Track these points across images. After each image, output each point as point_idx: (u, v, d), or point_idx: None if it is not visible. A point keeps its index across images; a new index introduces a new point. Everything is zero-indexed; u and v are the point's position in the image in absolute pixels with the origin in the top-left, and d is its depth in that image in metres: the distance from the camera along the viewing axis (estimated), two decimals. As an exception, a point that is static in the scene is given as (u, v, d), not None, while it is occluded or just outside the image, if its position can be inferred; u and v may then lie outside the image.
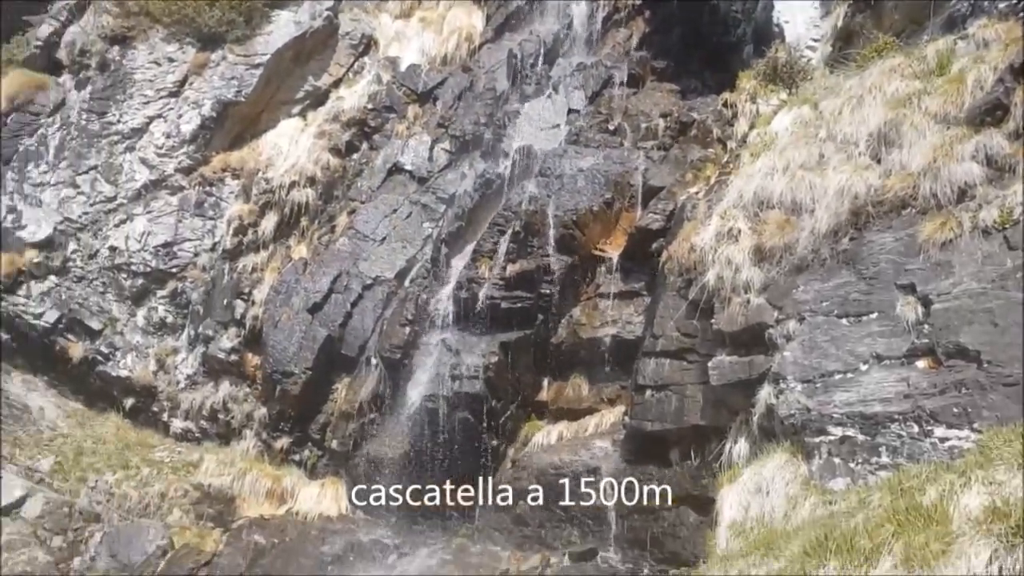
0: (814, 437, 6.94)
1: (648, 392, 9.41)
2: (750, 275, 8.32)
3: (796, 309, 7.68)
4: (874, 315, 7.18)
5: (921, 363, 6.70)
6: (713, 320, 8.60)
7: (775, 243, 8.24)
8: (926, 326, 6.79)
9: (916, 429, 6.42)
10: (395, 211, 13.37)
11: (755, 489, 7.24)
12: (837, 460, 6.76)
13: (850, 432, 6.75)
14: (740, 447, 8.17)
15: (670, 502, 9.23)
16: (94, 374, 14.02)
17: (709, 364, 8.53)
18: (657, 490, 9.34)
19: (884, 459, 6.50)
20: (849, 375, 7.00)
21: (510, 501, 10.80)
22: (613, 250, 11.52)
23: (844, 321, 7.33)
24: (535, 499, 10.52)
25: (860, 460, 6.63)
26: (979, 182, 7.20)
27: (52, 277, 14.13)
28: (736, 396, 8.26)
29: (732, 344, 8.39)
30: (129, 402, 13.89)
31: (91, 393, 14.10)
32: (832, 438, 6.83)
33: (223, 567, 10.83)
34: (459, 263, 12.46)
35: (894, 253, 7.38)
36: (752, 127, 10.63)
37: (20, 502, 11.07)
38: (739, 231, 8.59)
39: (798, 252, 8.05)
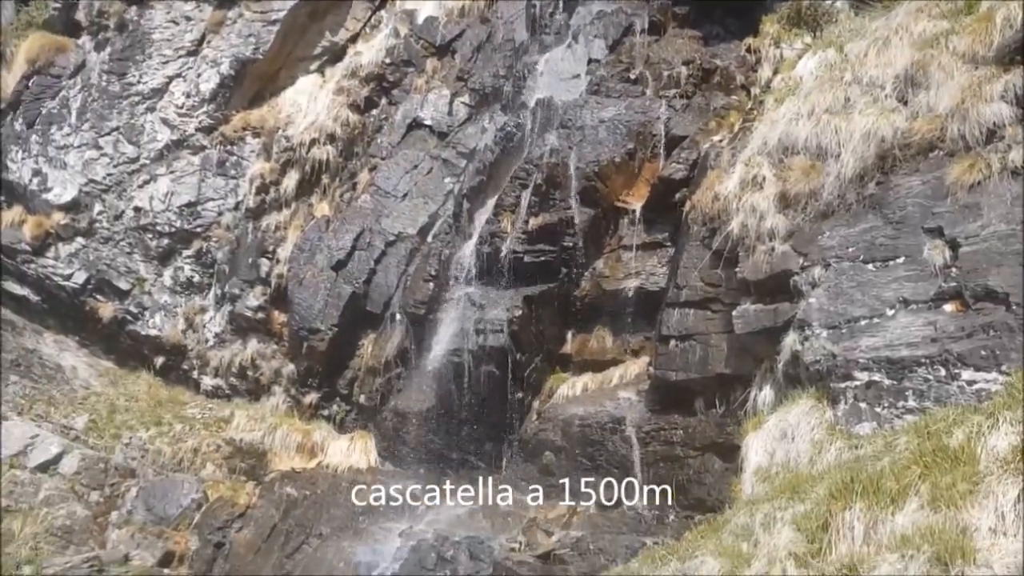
0: (840, 383, 6.95)
1: (672, 342, 9.43)
2: (775, 222, 8.26)
3: (821, 255, 7.64)
4: (901, 260, 7.13)
5: (948, 307, 6.66)
6: (737, 269, 8.57)
7: (800, 189, 8.17)
8: (953, 269, 6.74)
9: (943, 372, 6.41)
10: (416, 167, 13.33)
11: (780, 435, 7.28)
12: (863, 405, 6.77)
13: (876, 377, 6.75)
14: (765, 395, 8.20)
15: (695, 450, 9.31)
16: (124, 333, 14.22)
17: (733, 313, 8.53)
18: (682, 438, 9.43)
19: (911, 403, 6.50)
20: (875, 320, 6.98)
21: (537, 452, 10.95)
22: (636, 201, 11.46)
23: (870, 266, 7.29)
24: (561, 450, 10.64)
25: (886, 404, 6.64)
26: (1008, 122, 7.08)
27: (79, 239, 14.28)
28: (761, 344, 8.26)
29: (757, 292, 8.37)
30: (159, 360, 14.09)
31: (122, 352, 14.33)
32: (858, 383, 6.84)
33: (257, 519, 11.04)
34: (481, 218, 12.44)
35: (921, 196, 7.30)
36: (776, 72, 10.47)
37: (57, 459, 11.33)
38: (763, 178, 8.52)
39: (823, 198, 7.98)
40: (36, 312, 14.29)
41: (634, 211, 11.37)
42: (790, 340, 7.58)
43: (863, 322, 7.04)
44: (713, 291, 9.10)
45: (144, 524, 11.06)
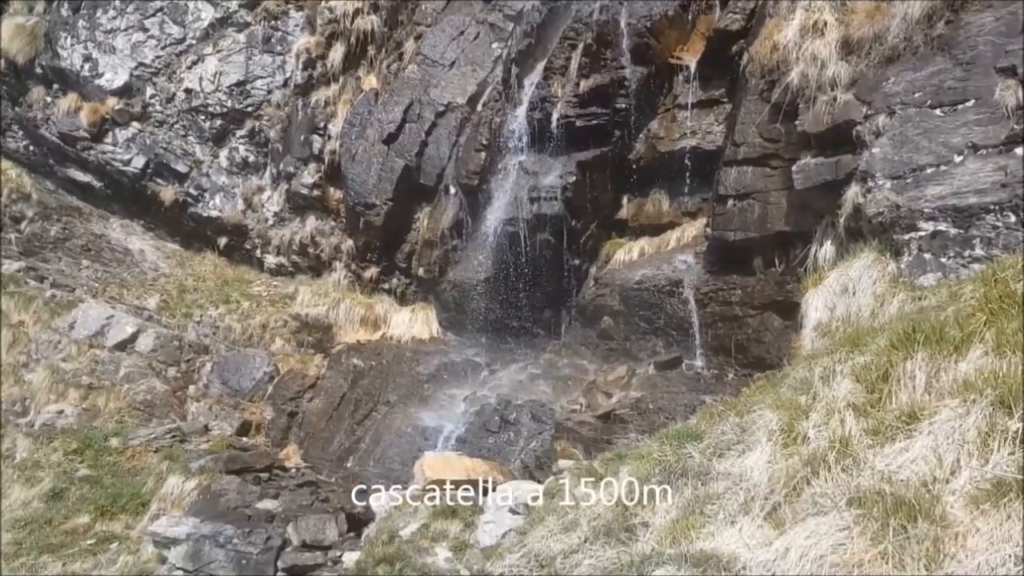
0: (903, 234, 6.75)
1: (730, 202, 9.25)
2: (837, 70, 7.87)
3: (886, 103, 7.28)
4: (970, 103, 6.76)
5: (1020, 150, 6.34)
6: (797, 122, 8.25)
7: (864, 33, 7.73)
8: (1027, 110, 6.38)
9: (1013, 219, 6.17)
10: (462, 33, 13.00)
11: (841, 290, 7.16)
12: (928, 256, 6.59)
13: (942, 226, 6.54)
14: (825, 250, 8.03)
15: (754, 309, 9.27)
16: (186, 216, 14.52)
17: (793, 168, 8.27)
18: (741, 298, 9.38)
19: (978, 251, 6.31)
20: (942, 168, 6.69)
21: (595, 317, 11.04)
22: (690, 57, 11.04)
23: (938, 111, 6.93)
24: (619, 314, 10.70)
25: (952, 254, 6.45)
26: (1094, -54, 6.53)
27: (135, 123, 14.41)
28: (821, 199, 8.03)
29: (818, 145, 8.08)
30: (223, 241, 14.43)
31: (186, 234, 14.68)
32: (923, 233, 6.64)
33: (327, 388, 11.48)
34: (531, 83, 12.17)
35: (994, 34, 6.84)
36: (839, -92, 9.76)
37: (133, 338, 11.81)
38: (825, 23, 8.07)
39: (889, 41, 7.54)
40: (101, 198, 14.63)
41: (689, 67, 10.96)
42: (852, 193, 7.34)
43: (929, 170, 6.76)
44: (772, 147, 8.82)
45: (220, 396, 11.59)
